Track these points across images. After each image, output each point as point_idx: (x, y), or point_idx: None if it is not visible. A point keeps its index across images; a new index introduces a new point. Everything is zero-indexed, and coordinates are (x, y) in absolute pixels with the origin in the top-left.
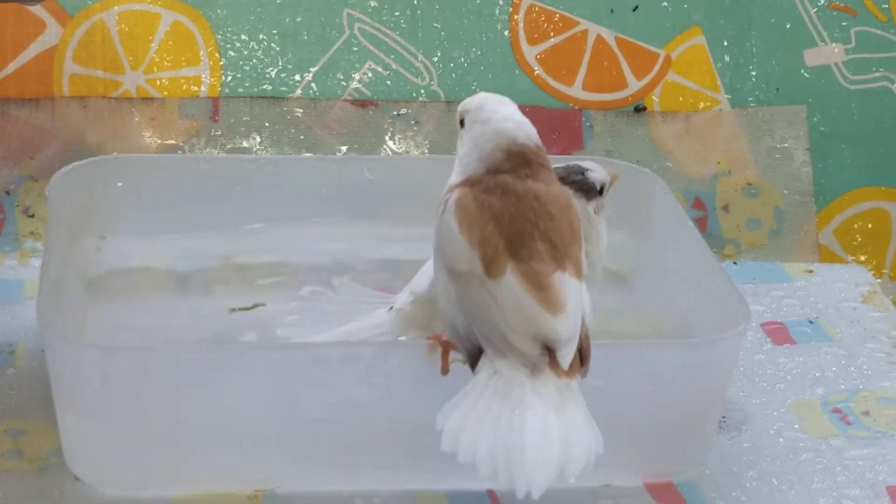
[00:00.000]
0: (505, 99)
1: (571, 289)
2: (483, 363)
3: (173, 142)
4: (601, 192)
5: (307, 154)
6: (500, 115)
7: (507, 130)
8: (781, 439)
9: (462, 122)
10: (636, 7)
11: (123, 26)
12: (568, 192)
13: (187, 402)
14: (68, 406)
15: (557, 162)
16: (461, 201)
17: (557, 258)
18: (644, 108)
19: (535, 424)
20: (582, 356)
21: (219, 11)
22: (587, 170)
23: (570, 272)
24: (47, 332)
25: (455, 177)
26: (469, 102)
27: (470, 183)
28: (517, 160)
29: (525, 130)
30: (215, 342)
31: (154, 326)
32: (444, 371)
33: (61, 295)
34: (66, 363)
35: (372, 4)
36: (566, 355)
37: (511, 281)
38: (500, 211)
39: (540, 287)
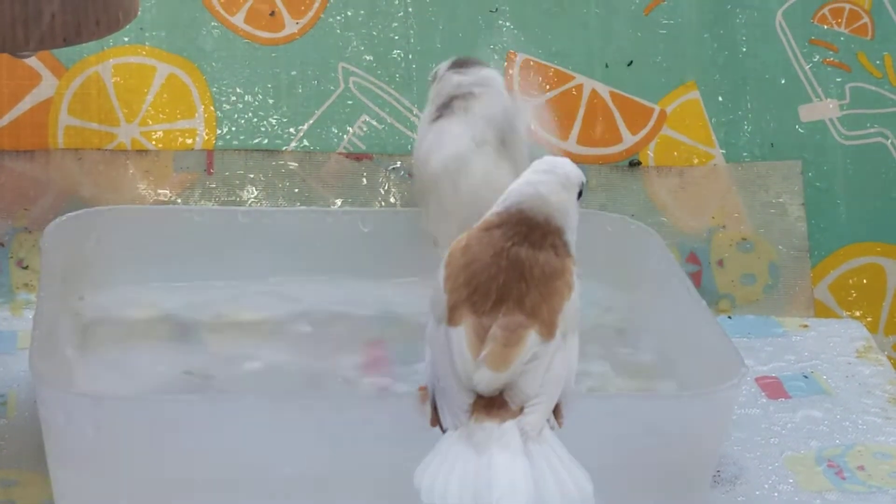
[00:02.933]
0: (559, 166)
1: (528, 347)
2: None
3: (168, 194)
4: None
5: (301, 207)
6: (534, 178)
7: (523, 193)
8: (776, 494)
9: None
10: (631, 62)
11: (119, 79)
12: (567, 266)
13: (180, 452)
14: (60, 456)
15: None
16: (454, 246)
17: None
18: (639, 163)
19: (501, 468)
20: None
21: (214, 64)
22: None
23: (536, 330)
24: (39, 381)
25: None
26: (542, 161)
27: (478, 227)
28: (519, 221)
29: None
30: (208, 393)
31: (147, 377)
32: (433, 423)
33: (54, 345)
34: (58, 413)
35: (367, 58)
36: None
37: (461, 332)
38: (474, 261)
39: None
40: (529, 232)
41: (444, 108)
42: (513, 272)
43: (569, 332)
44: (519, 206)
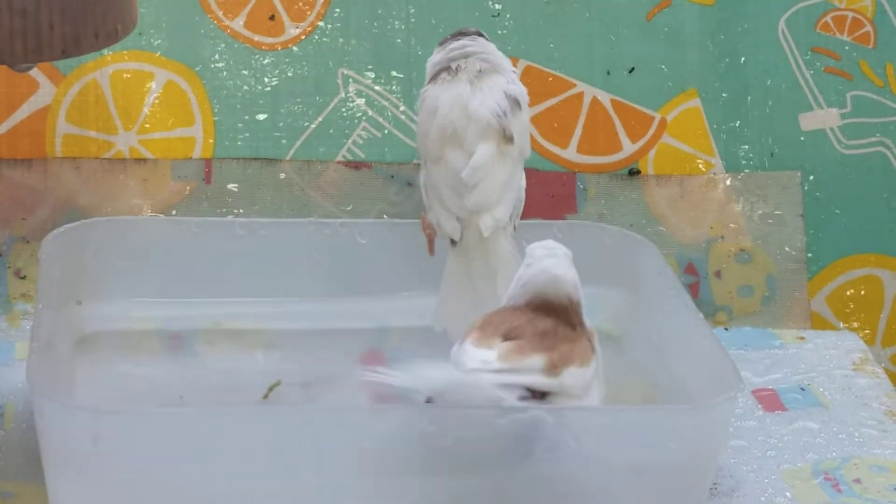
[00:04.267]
0: (556, 247)
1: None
2: None
3: (166, 203)
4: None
5: (299, 218)
6: (542, 264)
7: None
8: None
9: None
10: (632, 69)
11: (117, 86)
12: (589, 345)
13: (177, 465)
14: (57, 468)
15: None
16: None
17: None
18: (638, 172)
19: None
20: None
21: (213, 71)
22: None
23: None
24: (37, 393)
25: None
26: (534, 248)
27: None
28: (544, 307)
29: (559, 285)
30: (205, 405)
31: (144, 389)
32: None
33: (51, 356)
34: (55, 425)
35: (367, 65)
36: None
37: None
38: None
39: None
40: (557, 314)
41: (449, 73)
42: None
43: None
44: (543, 294)
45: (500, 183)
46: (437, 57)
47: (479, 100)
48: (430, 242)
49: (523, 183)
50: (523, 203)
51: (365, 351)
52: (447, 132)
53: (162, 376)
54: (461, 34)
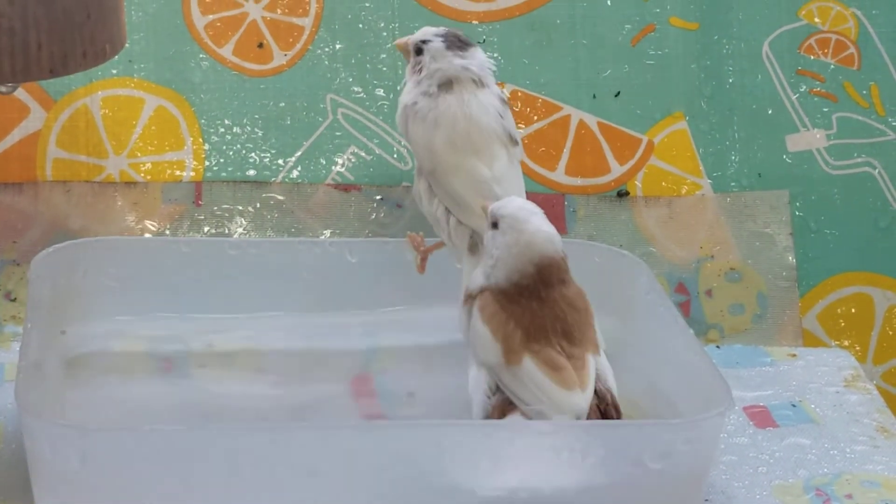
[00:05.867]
0: (537, 209)
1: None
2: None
3: (156, 226)
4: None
5: (289, 238)
6: (533, 227)
7: (538, 244)
8: None
9: (496, 224)
10: (618, 93)
11: (107, 111)
12: (583, 291)
13: (165, 484)
14: (46, 488)
15: None
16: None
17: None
18: (627, 193)
19: None
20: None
21: (202, 96)
22: (439, 32)
23: (591, 352)
24: (25, 412)
25: (478, 277)
26: (505, 208)
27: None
28: (546, 272)
29: (555, 243)
30: (194, 424)
31: (133, 409)
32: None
33: (40, 376)
34: (44, 444)
35: (355, 89)
36: None
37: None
38: (520, 314)
39: (556, 368)
40: (551, 274)
41: (445, 87)
42: (551, 312)
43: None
44: (542, 254)
45: (519, 187)
46: (437, 64)
47: (482, 107)
48: (423, 261)
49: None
50: None
51: (353, 376)
52: (456, 141)
53: (152, 396)
54: (450, 42)
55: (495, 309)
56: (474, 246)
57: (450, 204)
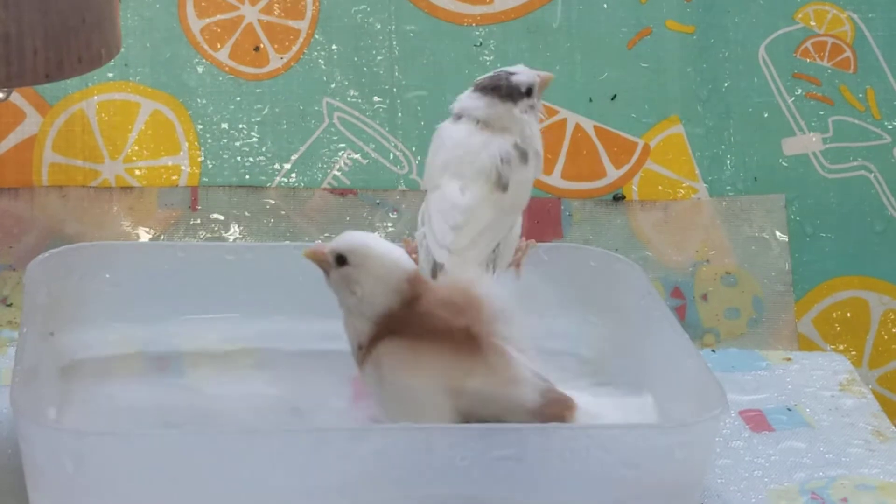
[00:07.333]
0: (374, 234)
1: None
2: None
3: (152, 231)
4: (529, 93)
5: (286, 242)
6: (387, 248)
7: (402, 259)
8: None
9: (342, 261)
10: (615, 96)
11: (103, 115)
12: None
13: (160, 488)
14: (42, 493)
15: None
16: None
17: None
18: (623, 197)
19: None
20: None
21: (199, 101)
22: (512, 73)
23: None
24: (20, 416)
25: (356, 324)
26: (351, 242)
27: (392, 327)
28: (416, 284)
29: (405, 257)
30: (189, 428)
31: (129, 413)
32: None
33: (36, 381)
34: (39, 448)
35: (351, 93)
36: None
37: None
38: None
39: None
40: (420, 283)
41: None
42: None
43: None
44: (408, 271)
45: (479, 226)
46: (466, 102)
47: (486, 143)
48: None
49: (517, 231)
50: (513, 252)
51: (352, 378)
52: (450, 165)
53: (148, 401)
54: (497, 88)
55: (399, 356)
56: (434, 273)
57: (425, 220)
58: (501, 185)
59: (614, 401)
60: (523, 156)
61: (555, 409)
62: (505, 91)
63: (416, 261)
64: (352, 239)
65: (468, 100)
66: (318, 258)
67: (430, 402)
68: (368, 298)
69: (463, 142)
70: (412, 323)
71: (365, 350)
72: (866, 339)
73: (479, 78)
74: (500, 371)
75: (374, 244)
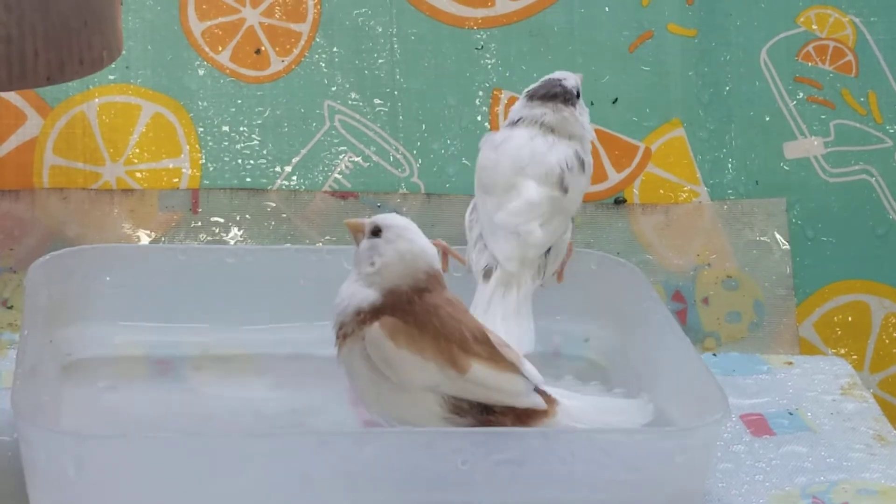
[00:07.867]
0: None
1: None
2: None
3: (153, 233)
4: (578, 95)
5: (286, 245)
6: (423, 240)
7: (430, 253)
8: None
9: (377, 232)
10: (616, 100)
11: (104, 118)
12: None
13: (161, 491)
14: (42, 496)
15: None
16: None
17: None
18: (624, 201)
19: None
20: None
21: (200, 103)
22: (562, 79)
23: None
24: (21, 419)
25: (361, 291)
26: (390, 218)
27: (393, 307)
28: (432, 281)
29: (434, 255)
30: (190, 431)
31: (130, 415)
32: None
33: (37, 383)
34: (39, 451)
35: (352, 96)
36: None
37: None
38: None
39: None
40: (437, 282)
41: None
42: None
43: None
44: (432, 267)
45: (548, 228)
46: (525, 111)
47: (552, 146)
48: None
49: (567, 236)
50: (560, 259)
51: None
52: (518, 165)
53: (148, 402)
54: (555, 95)
55: (403, 328)
56: (489, 273)
57: (484, 226)
58: (563, 188)
59: (605, 402)
60: (581, 164)
61: (538, 406)
62: (564, 96)
63: (443, 248)
64: (395, 218)
65: (525, 108)
66: (355, 226)
67: (417, 378)
68: (384, 271)
69: (528, 144)
70: (415, 311)
71: (364, 318)
72: (868, 343)
73: (528, 88)
74: (493, 360)
75: (412, 230)
